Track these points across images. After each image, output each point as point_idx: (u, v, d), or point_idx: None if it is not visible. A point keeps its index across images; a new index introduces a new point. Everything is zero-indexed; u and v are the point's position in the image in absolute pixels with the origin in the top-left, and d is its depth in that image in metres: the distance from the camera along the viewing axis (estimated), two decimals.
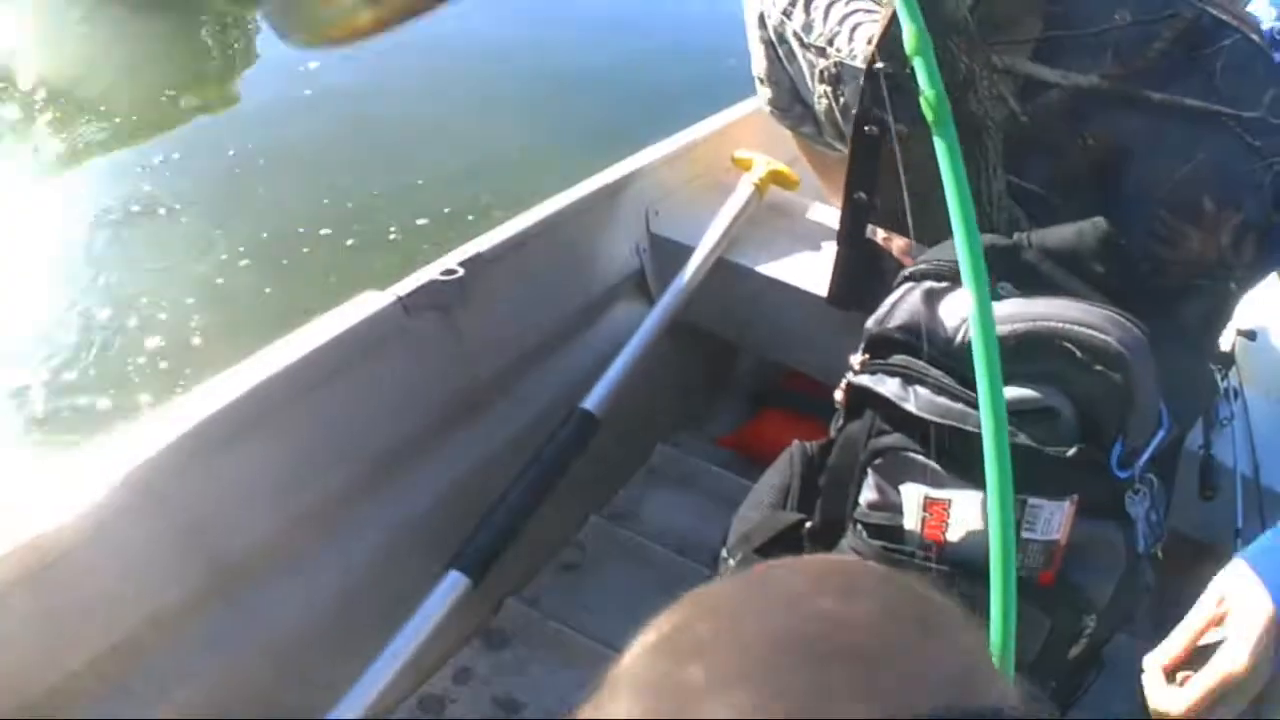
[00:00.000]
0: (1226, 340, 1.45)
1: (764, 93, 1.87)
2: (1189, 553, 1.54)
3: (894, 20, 1.41)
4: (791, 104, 1.82)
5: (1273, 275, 1.37)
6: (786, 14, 1.73)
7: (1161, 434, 1.15)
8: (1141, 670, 1.05)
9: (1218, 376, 1.37)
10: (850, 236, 1.63)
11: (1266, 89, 1.23)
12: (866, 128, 1.50)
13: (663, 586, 1.57)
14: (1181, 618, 1.03)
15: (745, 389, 2.27)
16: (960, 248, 0.82)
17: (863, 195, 1.56)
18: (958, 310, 1.16)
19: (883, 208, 1.55)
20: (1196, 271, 1.30)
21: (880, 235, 1.63)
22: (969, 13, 1.35)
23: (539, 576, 1.81)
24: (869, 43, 1.49)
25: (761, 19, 1.78)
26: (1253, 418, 1.53)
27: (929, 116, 0.82)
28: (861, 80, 1.49)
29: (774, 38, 1.77)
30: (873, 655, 0.36)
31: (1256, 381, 1.59)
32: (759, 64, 1.84)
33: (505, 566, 1.49)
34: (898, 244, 1.61)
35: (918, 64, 0.83)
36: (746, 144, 2.13)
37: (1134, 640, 1.62)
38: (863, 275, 1.67)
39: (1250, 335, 1.57)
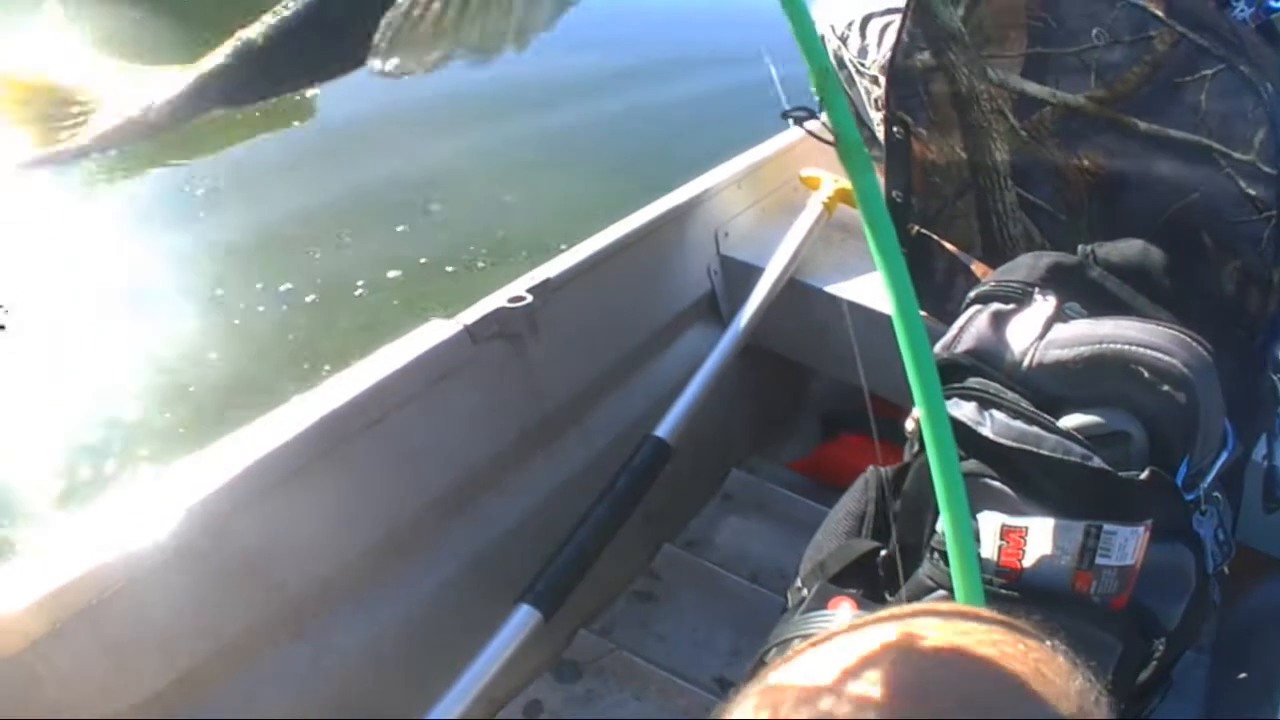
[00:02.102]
0: None
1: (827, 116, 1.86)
2: (1251, 566, 1.49)
3: (910, 19, 1.44)
4: (856, 127, 1.81)
5: None
6: (843, 39, 1.72)
7: (1226, 455, 1.13)
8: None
9: (1278, 385, 1.33)
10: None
11: (1257, 129, 1.21)
12: (894, 129, 1.54)
13: (737, 616, 1.56)
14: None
15: (819, 412, 2.23)
16: (889, 295, 0.77)
17: (898, 194, 1.59)
18: (1027, 333, 1.13)
19: (919, 209, 1.58)
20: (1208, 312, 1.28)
21: None
22: (961, 24, 1.38)
23: (612, 606, 1.78)
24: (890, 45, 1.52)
25: (823, 42, 1.77)
26: None
27: (845, 164, 0.75)
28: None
29: (834, 62, 1.76)
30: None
31: None
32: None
33: (578, 596, 1.47)
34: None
35: (827, 107, 0.75)
36: (813, 162, 2.11)
37: (1198, 656, 1.57)
38: (913, 272, 1.69)
39: None
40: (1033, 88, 1.36)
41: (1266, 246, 1.23)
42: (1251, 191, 1.22)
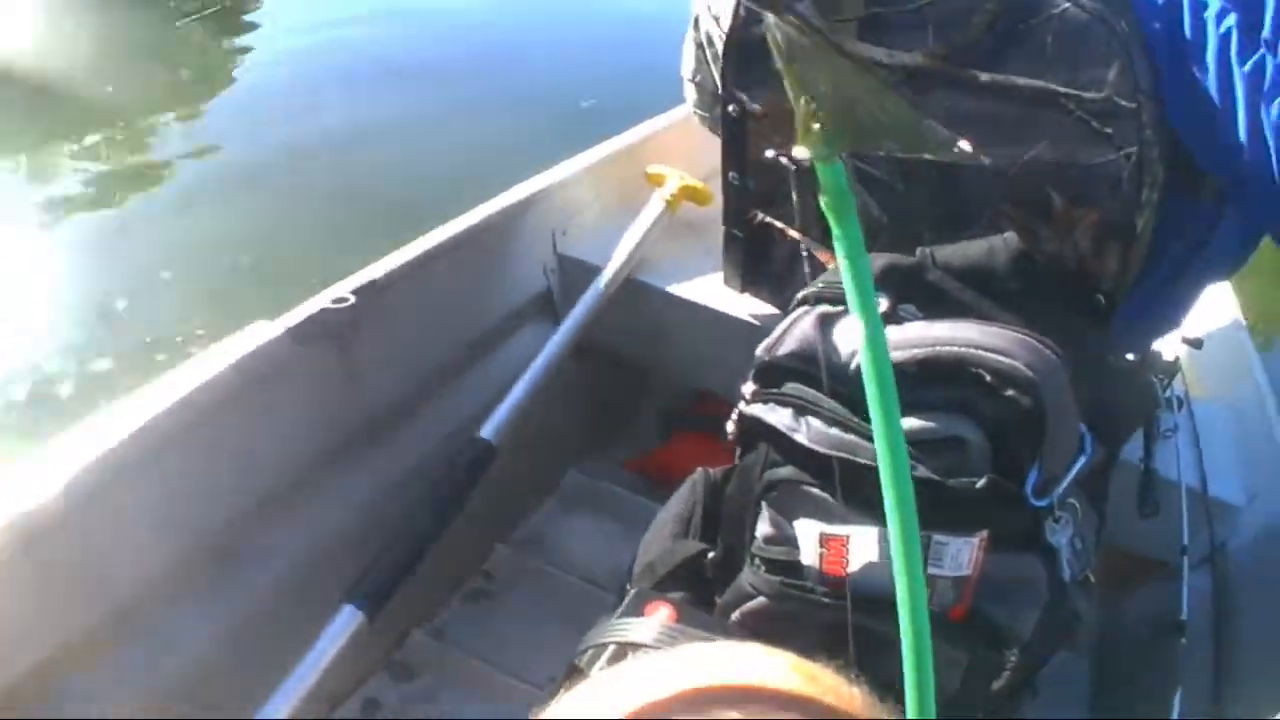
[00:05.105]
0: (1170, 350, 1.40)
1: (690, 93, 1.85)
2: (1132, 568, 1.52)
3: None
4: (713, 106, 1.80)
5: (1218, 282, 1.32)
6: (717, 19, 1.71)
7: (1083, 459, 1.09)
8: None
9: (1159, 387, 1.31)
10: (732, 219, 1.62)
11: (1110, 63, 1.15)
12: (730, 107, 1.48)
13: (570, 615, 1.56)
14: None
15: (657, 411, 2.24)
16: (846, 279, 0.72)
17: (735, 176, 1.55)
18: (855, 335, 1.11)
19: (756, 190, 1.54)
20: (1061, 278, 1.26)
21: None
22: None
23: (445, 607, 1.77)
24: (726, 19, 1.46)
25: (696, 21, 1.74)
26: (1200, 427, 1.51)
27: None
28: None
29: (704, 40, 1.75)
30: None
31: (1204, 390, 1.57)
32: (688, 65, 1.80)
33: (410, 597, 1.46)
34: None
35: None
36: (661, 159, 2.09)
37: (1076, 657, 1.61)
38: (752, 258, 1.67)
39: (1196, 343, 1.51)
40: (871, 51, 1.30)
41: (1128, 186, 1.18)
42: (1107, 130, 1.17)
